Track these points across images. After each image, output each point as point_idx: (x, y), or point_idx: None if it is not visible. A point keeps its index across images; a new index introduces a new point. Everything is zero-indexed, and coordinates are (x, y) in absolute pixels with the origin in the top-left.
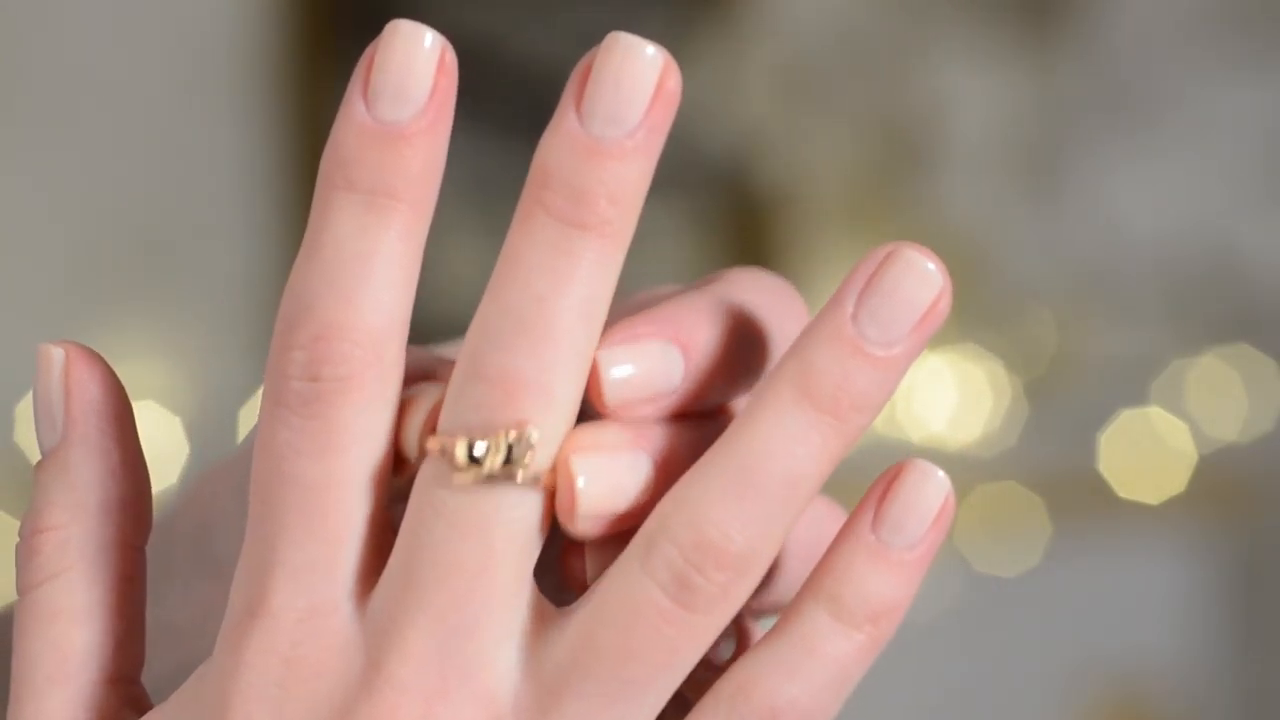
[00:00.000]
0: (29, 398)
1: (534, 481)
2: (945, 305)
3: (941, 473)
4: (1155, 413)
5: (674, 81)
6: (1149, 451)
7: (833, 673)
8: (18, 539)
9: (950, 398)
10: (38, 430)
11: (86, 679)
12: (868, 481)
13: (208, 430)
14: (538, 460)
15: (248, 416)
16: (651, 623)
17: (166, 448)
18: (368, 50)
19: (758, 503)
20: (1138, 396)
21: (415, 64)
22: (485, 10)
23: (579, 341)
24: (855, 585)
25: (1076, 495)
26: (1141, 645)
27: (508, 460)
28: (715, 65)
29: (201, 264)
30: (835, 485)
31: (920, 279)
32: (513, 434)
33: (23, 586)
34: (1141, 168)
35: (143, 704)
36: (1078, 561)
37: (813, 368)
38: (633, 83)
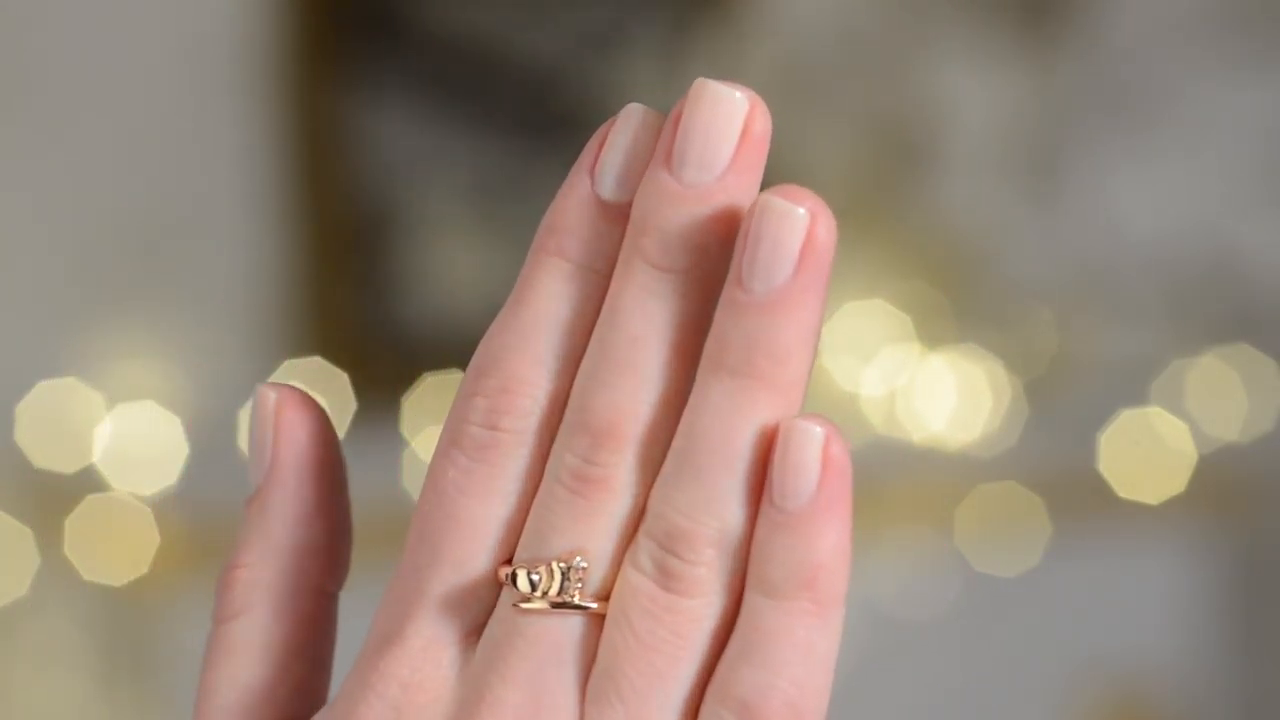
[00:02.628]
0: (30, 397)
1: (595, 602)
2: (825, 234)
3: (818, 426)
4: (1155, 413)
5: (761, 124)
6: (1149, 451)
7: (791, 650)
8: (221, 572)
9: (950, 398)
10: (249, 469)
11: (259, 715)
12: (870, 481)
13: (208, 430)
14: (593, 583)
15: (248, 416)
16: (650, 612)
17: (166, 448)
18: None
19: (710, 480)
20: (1138, 396)
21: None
22: (485, 10)
23: (672, 380)
24: (772, 559)
25: (1076, 495)
26: (1141, 645)
27: (562, 588)
28: (715, 65)
29: (201, 264)
30: None
31: (787, 222)
32: (565, 563)
33: (215, 619)
34: (1141, 168)
35: None
36: (1078, 561)
37: (718, 340)
38: (716, 129)
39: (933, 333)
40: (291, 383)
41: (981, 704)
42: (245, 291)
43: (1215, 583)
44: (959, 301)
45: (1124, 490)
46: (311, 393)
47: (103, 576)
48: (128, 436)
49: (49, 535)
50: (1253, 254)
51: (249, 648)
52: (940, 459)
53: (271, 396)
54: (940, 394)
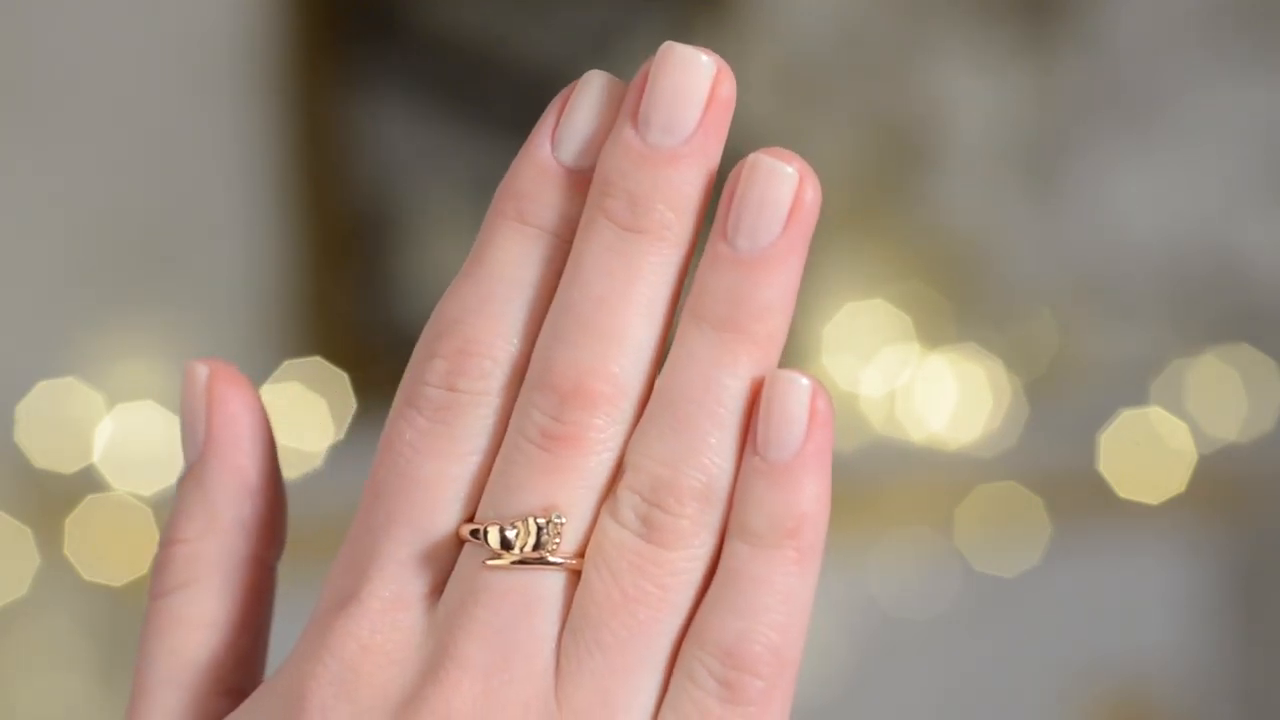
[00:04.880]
0: (30, 397)
1: (566, 559)
2: (811, 195)
3: (804, 378)
4: (1155, 413)
5: (727, 88)
6: (1149, 451)
7: (774, 597)
8: (157, 548)
9: (950, 398)
10: (182, 444)
11: (202, 688)
12: (870, 481)
13: None
14: (566, 540)
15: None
16: (635, 565)
17: (166, 448)
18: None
19: (695, 432)
20: (1138, 396)
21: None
22: (485, 10)
23: (641, 339)
24: (756, 508)
25: (1076, 495)
26: (1142, 645)
27: (538, 544)
28: None
29: (201, 264)
30: (837, 487)
31: (775, 180)
32: (541, 519)
33: (153, 593)
34: (1141, 167)
35: None
36: (1078, 561)
37: (702, 293)
38: (685, 92)
39: (933, 333)
40: (217, 358)
41: (981, 704)
42: (245, 291)
43: (1215, 583)
44: (959, 301)
45: (1124, 490)
46: (310, 391)
47: (103, 576)
48: (128, 436)
49: (49, 535)
50: (1253, 254)
51: (193, 621)
52: (940, 459)
53: (203, 371)
54: (940, 394)
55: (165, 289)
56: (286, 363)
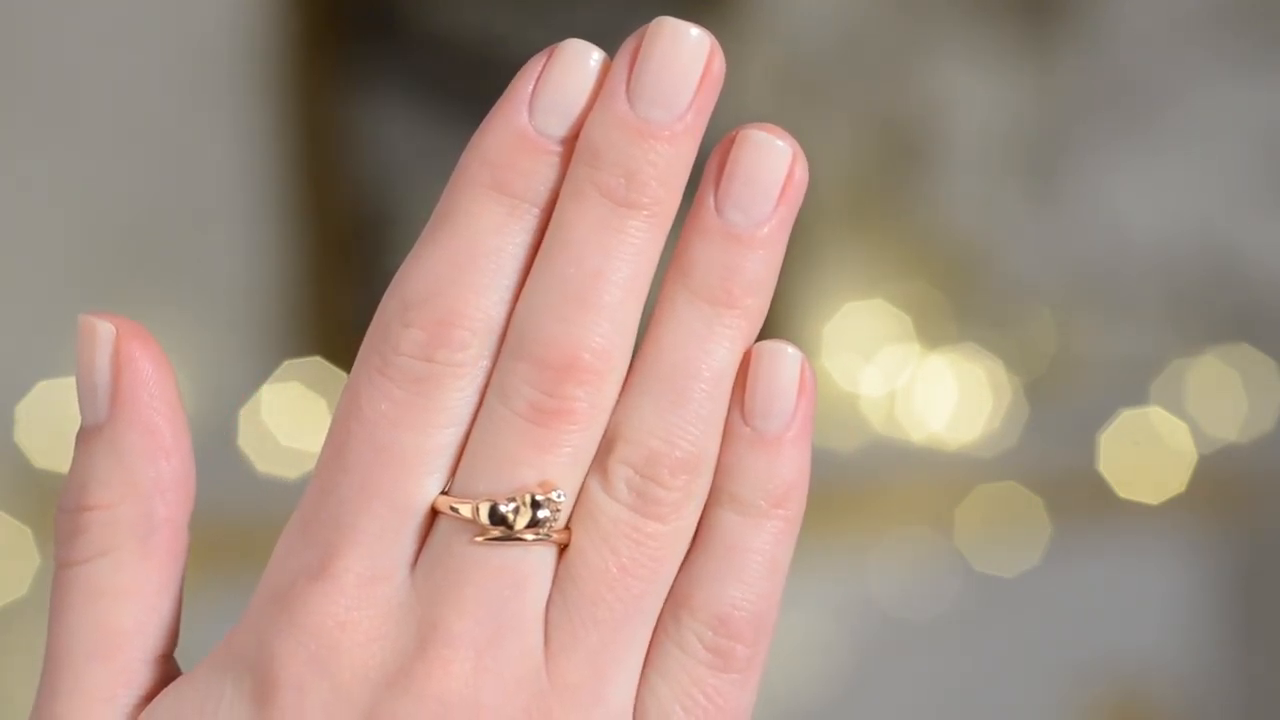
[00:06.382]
0: (30, 397)
1: (556, 536)
2: (801, 173)
3: (791, 348)
4: (1155, 413)
5: (718, 65)
6: (1149, 451)
7: (762, 565)
8: (57, 512)
9: (950, 398)
10: (81, 405)
11: (129, 657)
12: (870, 481)
13: (208, 430)
14: (560, 517)
15: (248, 416)
16: (630, 538)
17: None
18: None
19: (690, 405)
20: (1138, 396)
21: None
22: (485, 10)
23: (629, 314)
24: (746, 478)
25: (1076, 495)
26: (1141, 645)
27: (536, 521)
28: None
29: (201, 264)
30: (837, 487)
31: (770, 156)
32: (541, 494)
33: (65, 561)
34: (1141, 168)
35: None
36: (1078, 561)
37: (694, 267)
38: (681, 67)
39: (933, 333)
40: (117, 314)
41: (981, 704)
42: (245, 291)
43: (1215, 583)
44: (959, 301)
45: (1124, 490)
46: (310, 391)
47: None
48: None
49: (49, 535)
50: (1253, 254)
51: (114, 589)
52: (940, 459)
53: (105, 327)
54: (940, 394)
55: (165, 289)
56: (286, 363)
